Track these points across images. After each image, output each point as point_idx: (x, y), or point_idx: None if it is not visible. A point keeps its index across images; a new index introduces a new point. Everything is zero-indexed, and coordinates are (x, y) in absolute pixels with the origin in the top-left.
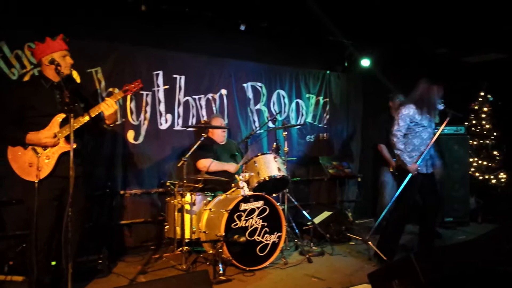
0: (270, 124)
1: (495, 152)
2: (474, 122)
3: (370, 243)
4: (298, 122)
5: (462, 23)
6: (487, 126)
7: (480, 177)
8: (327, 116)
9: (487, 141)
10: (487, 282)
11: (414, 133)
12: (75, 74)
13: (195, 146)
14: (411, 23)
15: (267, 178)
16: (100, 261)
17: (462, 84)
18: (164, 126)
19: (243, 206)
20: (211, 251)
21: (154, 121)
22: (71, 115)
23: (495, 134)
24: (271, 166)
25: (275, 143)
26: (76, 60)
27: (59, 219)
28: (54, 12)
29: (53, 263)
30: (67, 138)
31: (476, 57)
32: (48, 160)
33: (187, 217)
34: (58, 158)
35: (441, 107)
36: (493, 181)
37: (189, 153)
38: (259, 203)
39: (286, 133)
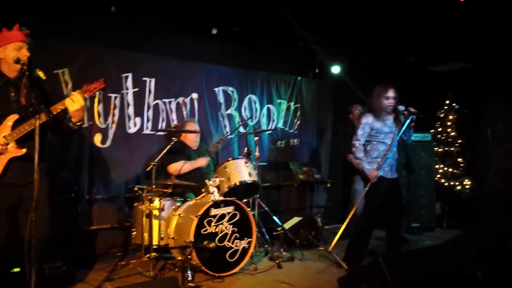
0: (241, 129)
1: (459, 159)
2: (440, 129)
3: (333, 253)
4: (269, 128)
5: (429, 33)
6: (452, 134)
7: (446, 184)
8: (298, 122)
9: (452, 148)
10: (454, 286)
11: (377, 139)
12: (41, 73)
13: (165, 150)
14: (379, 32)
15: (237, 183)
16: (64, 268)
17: (428, 92)
18: (132, 130)
19: (213, 212)
20: (179, 258)
21: (123, 124)
22: (37, 117)
23: (459, 141)
24: (242, 171)
25: (246, 148)
26: (43, 60)
27: (16, 227)
28: (21, 9)
29: (16, 269)
30: (18, 142)
31: (442, 66)
32: None
33: (155, 223)
34: (6, 164)
35: (401, 108)
36: (458, 187)
37: (159, 157)
38: (230, 209)
39: (257, 138)
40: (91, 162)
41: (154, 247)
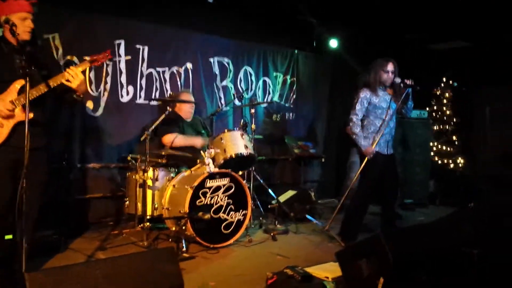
0: (237, 102)
1: (454, 137)
2: (435, 107)
3: (330, 231)
4: (265, 101)
5: (430, 10)
6: (448, 112)
7: (439, 161)
8: (294, 96)
9: (447, 127)
10: (452, 263)
11: (374, 115)
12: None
13: (159, 120)
14: (380, 6)
15: (233, 156)
16: (56, 237)
17: (426, 70)
18: (125, 98)
19: (209, 183)
20: (174, 228)
21: (115, 93)
22: (29, 80)
23: (455, 120)
24: (238, 143)
25: (242, 120)
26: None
27: (16, 192)
28: None
29: (9, 237)
30: (24, 107)
31: (443, 45)
32: (1, 128)
33: (149, 193)
34: (13, 127)
35: (398, 80)
36: (452, 165)
37: (153, 126)
38: (225, 181)
39: (253, 110)
40: (82, 130)
41: (148, 217)
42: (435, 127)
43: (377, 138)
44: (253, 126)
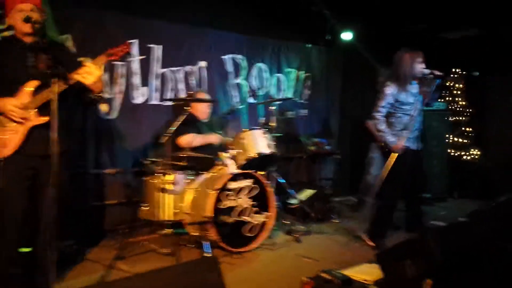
0: (251, 99)
1: (467, 129)
2: (448, 98)
3: (356, 231)
4: (278, 97)
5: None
6: (462, 103)
7: (454, 154)
8: (308, 92)
9: (461, 118)
10: (500, 259)
11: (402, 112)
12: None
13: (180, 121)
14: None
15: (255, 155)
16: (75, 246)
17: (438, 60)
18: (139, 100)
19: (232, 185)
20: (196, 233)
21: (129, 94)
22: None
23: (468, 111)
24: (260, 142)
25: (263, 118)
26: None
27: (33, 203)
28: None
29: (26, 249)
30: (40, 110)
31: (455, 33)
32: (14, 134)
33: (169, 197)
34: (27, 133)
35: (427, 71)
36: (467, 157)
37: (173, 128)
38: (248, 182)
39: (274, 107)
40: (97, 134)
41: (168, 223)
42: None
43: (406, 135)
44: (273, 123)
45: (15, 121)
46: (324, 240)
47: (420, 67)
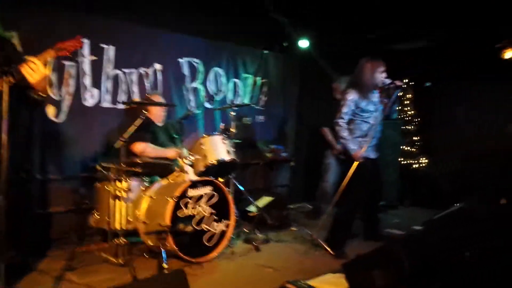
0: (207, 104)
1: (415, 138)
2: (398, 108)
3: (319, 240)
4: (233, 103)
5: (392, 11)
6: (410, 112)
7: (403, 162)
8: (264, 98)
9: (410, 127)
10: (460, 267)
11: (361, 119)
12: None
13: (135, 125)
14: (346, 6)
15: (215, 162)
16: (18, 257)
17: (389, 70)
18: (89, 102)
19: (191, 192)
20: (150, 243)
21: (78, 96)
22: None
23: (416, 120)
24: (220, 148)
25: (222, 124)
26: None
27: None
28: None
29: None
30: None
31: (406, 45)
32: None
33: (121, 205)
34: None
35: (387, 81)
36: (416, 166)
37: (130, 133)
38: (207, 189)
39: (234, 113)
40: (43, 137)
41: (121, 231)
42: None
43: (364, 143)
44: (232, 129)
45: None
46: (283, 249)
47: (381, 77)
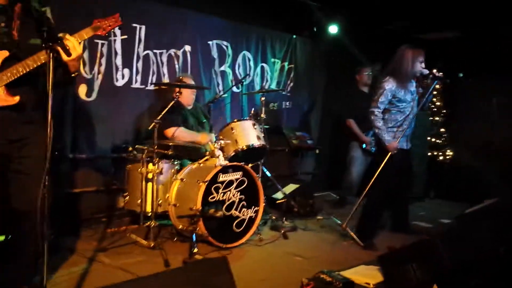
0: (234, 88)
1: (442, 129)
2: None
3: (348, 229)
4: (261, 88)
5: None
6: (438, 104)
7: (429, 154)
8: (291, 84)
9: (437, 118)
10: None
11: (397, 109)
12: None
13: (167, 107)
14: None
15: (244, 147)
16: (53, 237)
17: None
18: (120, 82)
19: (221, 177)
20: (180, 226)
21: (110, 76)
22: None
23: (443, 111)
24: (250, 133)
25: (253, 109)
26: None
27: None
28: None
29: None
30: (9, 87)
31: (433, 34)
32: None
33: (154, 187)
34: None
35: (425, 71)
36: (441, 157)
37: (161, 115)
38: (238, 174)
39: (263, 98)
40: (75, 116)
41: (149, 214)
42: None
43: (399, 134)
44: (263, 115)
45: None
46: (311, 237)
47: (420, 66)
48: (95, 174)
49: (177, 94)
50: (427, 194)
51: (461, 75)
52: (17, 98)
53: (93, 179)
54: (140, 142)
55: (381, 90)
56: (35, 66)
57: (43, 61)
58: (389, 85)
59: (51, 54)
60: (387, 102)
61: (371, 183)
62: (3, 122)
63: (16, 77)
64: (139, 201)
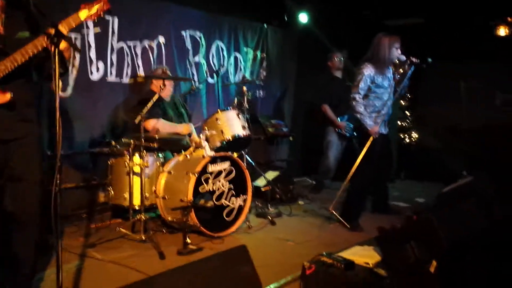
0: (209, 79)
1: (406, 112)
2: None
3: (334, 212)
4: (236, 78)
5: None
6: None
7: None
8: (264, 73)
9: (403, 102)
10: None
11: (375, 94)
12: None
13: (152, 101)
14: None
15: (231, 138)
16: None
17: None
18: (95, 76)
19: (211, 168)
20: (170, 218)
21: (84, 70)
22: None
23: (408, 95)
24: (235, 124)
25: (236, 99)
26: None
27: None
28: None
29: None
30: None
31: (399, 21)
32: None
33: (140, 181)
34: None
35: (402, 57)
36: (407, 140)
37: (147, 108)
38: (226, 164)
39: (245, 88)
40: (51, 112)
41: (137, 207)
42: None
43: (379, 119)
44: (245, 104)
45: None
46: (298, 222)
47: (397, 53)
48: (73, 170)
49: (162, 87)
50: (398, 176)
51: (430, 60)
52: (8, 96)
53: (72, 176)
54: (120, 136)
55: (360, 76)
56: (23, 60)
57: (31, 54)
58: (368, 70)
59: (54, 44)
60: (366, 88)
61: (354, 167)
62: None
63: (4, 73)
64: (125, 194)
